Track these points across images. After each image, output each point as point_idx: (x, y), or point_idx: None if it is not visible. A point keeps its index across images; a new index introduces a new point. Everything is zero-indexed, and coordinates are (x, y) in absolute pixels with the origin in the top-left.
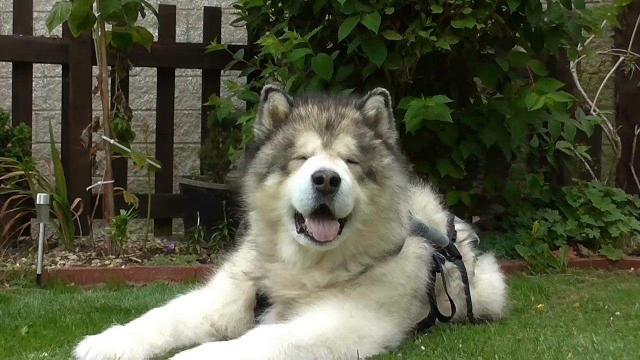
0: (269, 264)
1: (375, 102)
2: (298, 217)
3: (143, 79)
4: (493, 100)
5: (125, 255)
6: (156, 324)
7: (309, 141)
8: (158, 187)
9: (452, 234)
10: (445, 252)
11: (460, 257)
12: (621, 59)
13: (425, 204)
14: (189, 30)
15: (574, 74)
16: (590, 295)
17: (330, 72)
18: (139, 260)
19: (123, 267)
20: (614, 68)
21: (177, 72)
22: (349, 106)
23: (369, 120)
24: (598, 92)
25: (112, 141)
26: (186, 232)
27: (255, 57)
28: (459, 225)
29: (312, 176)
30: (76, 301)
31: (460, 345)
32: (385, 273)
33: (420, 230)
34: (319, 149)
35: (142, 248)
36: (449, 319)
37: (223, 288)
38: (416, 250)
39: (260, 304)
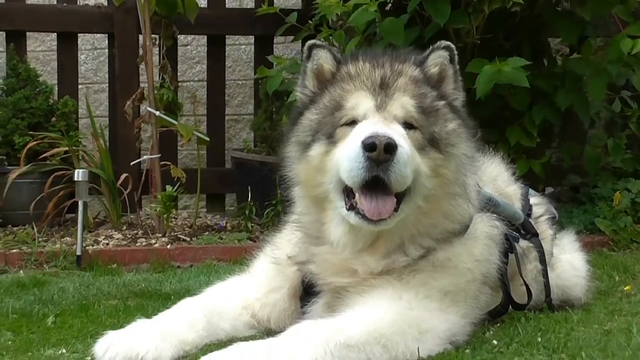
0: (315, 247)
1: (438, 58)
2: (348, 192)
3: (195, 49)
4: (569, 61)
5: (174, 234)
6: (187, 317)
7: (360, 103)
8: (210, 162)
9: (527, 208)
10: (519, 229)
11: (537, 235)
12: None
13: (495, 175)
14: None
15: None
16: None
17: (402, 36)
18: (188, 239)
19: (169, 246)
20: None
21: (230, 40)
22: (407, 62)
23: (431, 78)
24: None
25: (157, 113)
26: (238, 209)
27: (310, 21)
28: (534, 199)
29: (363, 142)
30: (115, 285)
31: (539, 339)
32: (450, 257)
33: (490, 205)
34: (371, 112)
35: (192, 225)
36: (524, 307)
37: (264, 274)
38: (486, 229)
39: (306, 292)
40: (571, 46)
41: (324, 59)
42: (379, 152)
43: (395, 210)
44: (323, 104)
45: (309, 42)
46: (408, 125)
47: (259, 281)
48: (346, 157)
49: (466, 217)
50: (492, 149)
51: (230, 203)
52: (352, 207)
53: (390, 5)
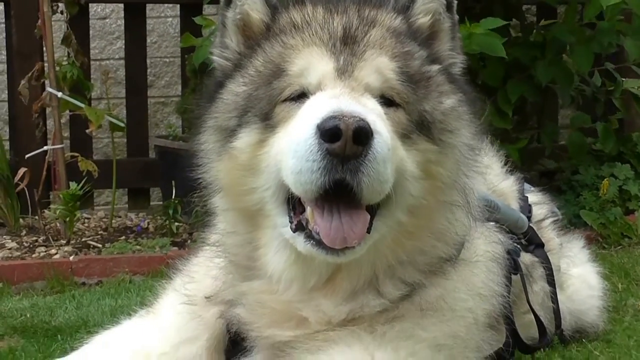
0: (245, 282)
1: (430, 3)
2: (294, 203)
3: (114, 22)
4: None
5: (83, 239)
6: None
7: (312, 64)
8: (131, 151)
9: (526, 210)
10: (520, 239)
11: (542, 246)
12: None
13: (485, 168)
14: None
15: None
16: None
17: None
18: (99, 246)
19: (72, 258)
20: None
21: (154, 11)
22: (384, 7)
23: (420, 32)
24: None
25: (59, 94)
26: (162, 207)
27: None
28: (533, 197)
29: (320, 127)
30: None
31: None
32: (443, 295)
33: (489, 211)
34: (330, 79)
35: (108, 228)
36: (535, 350)
37: (174, 319)
38: (488, 247)
39: (234, 345)
40: (538, 15)
41: (250, 3)
42: (344, 142)
43: (368, 231)
44: (254, 69)
45: None
46: (387, 101)
47: (166, 328)
48: (292, 150)
49: (464, 235)
50: None
51: (158, 197)
52: (300, 227)
53: None
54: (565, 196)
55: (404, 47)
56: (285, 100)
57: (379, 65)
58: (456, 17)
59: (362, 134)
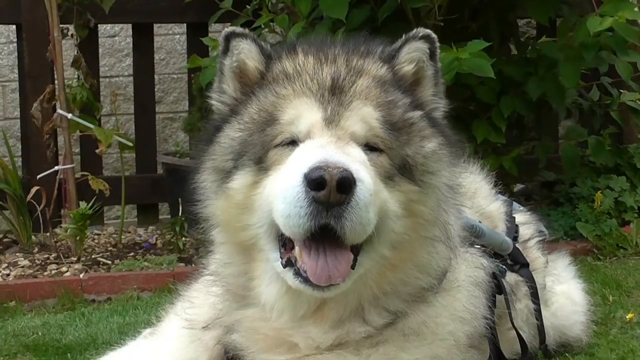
0: (240, 310)
1: (414, 52)
2: (284, 241)
3: (123, 40)
4: (542, 44)
5: (93, 256)
6: None
7: (302, 114)
8: (140, 167)
9: (513, 230)
10: (506, 260)
11: (527, 266)
12: None
13: (475, 191)
14: None
15: None
16: None
17: (345, 11)
18: (109, 262)
19: (82, 276)
20: None
21: (162, 29)
22: (371, 57)
23: (404, 80)
24: None
25: (69, 116)
26: (170, 224)
27: (248, 5)
28: (520, 217)
29: (307, 177)
30: (2, 335)
31: None
32: (425, 321)
33: (473, 235)
34: (318, 128)
35: (117, 244)
36: None
37: (175, 342)
38: (470, 272)
39: None
40: (538, 28)
41: (246, 52)
42: (329, 191)
43: (352, 267)
44: (249, 116)
45: (225, 30)
46: (371, 148)
47: (167, 351)
48: (282, 196)
49: (446, 265)
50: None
51: (167, 212)
52: (290, 263)
53: None
54: (562, 208)
55: (388, 97)
56: (277, 145)
57: (364, 115)
58: (439, 64)
59: (346, 184)
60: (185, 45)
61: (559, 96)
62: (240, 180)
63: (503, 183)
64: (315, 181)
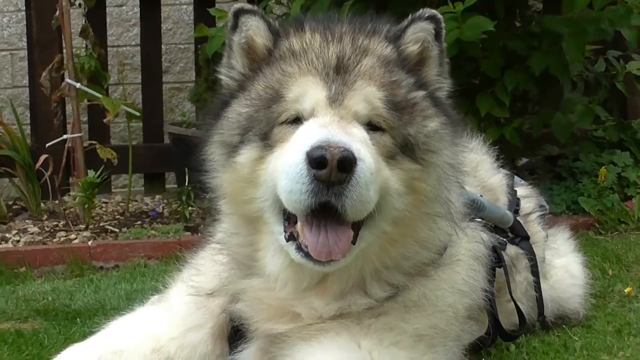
0: (245, 279)
1: (420, 32)
2: (288, 215)
3: (131, 9)
4: (546, 19)
5: (101, 224)
6: None
7: (307, 92)
8: (146, 137)
9: (514, 203)
10: (507, 232)
11: (527, 239)
12: None
13: (477, 164)
14: None
15: None
16: None
17: None
18: (116, 230)
19: (90, 243)
20: None
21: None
22: (377, 36)
23: (408, 60)
24: None
25: (78, 85)
26: (176, 192)
27: None
28: (522, 191)
29: (309, 155)
30: (13, 299)
31: None
32: (426, 293)
33: (474, 209)
34: (322, 106)
35: (124, 212)
36: (515, 337)
37: (182, 308)
38: (470, 247)
39: (236, 332)
40: (545, 1)
41: (255, 29)
42: (330, 170)
43: (353, 242)
44: (256, 93)
45: (234, 6)
46: (373, 127)
47: (174, 316)
48: (285, 172)
49: (446, 241)
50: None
51: (174, 181)
52: (292, 237)
53: None
54: (565, 182)
55: (392, 76)
56: (282, 123)
57: (367, 95)
58: (444, 45)
59: (346, 163)
60: (192, 15)
61: (563, 70)
62: (246, 155)
63: (506, 157)
64: (316, 160)
